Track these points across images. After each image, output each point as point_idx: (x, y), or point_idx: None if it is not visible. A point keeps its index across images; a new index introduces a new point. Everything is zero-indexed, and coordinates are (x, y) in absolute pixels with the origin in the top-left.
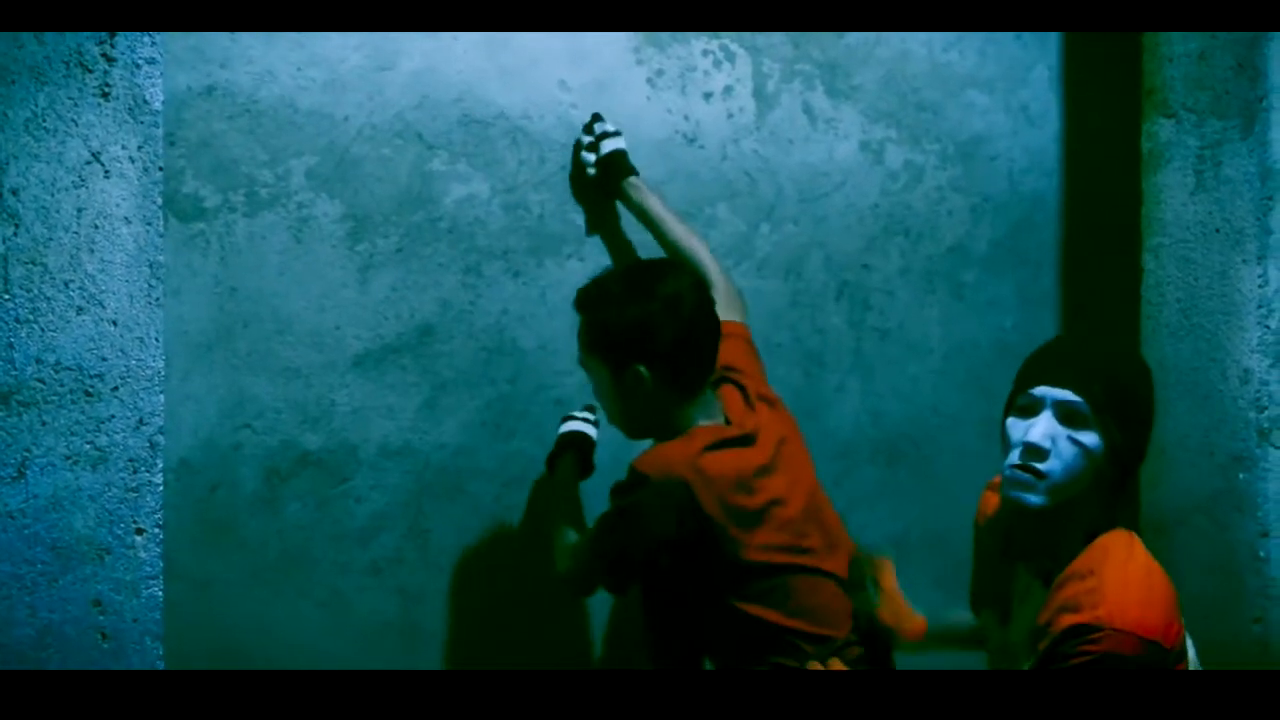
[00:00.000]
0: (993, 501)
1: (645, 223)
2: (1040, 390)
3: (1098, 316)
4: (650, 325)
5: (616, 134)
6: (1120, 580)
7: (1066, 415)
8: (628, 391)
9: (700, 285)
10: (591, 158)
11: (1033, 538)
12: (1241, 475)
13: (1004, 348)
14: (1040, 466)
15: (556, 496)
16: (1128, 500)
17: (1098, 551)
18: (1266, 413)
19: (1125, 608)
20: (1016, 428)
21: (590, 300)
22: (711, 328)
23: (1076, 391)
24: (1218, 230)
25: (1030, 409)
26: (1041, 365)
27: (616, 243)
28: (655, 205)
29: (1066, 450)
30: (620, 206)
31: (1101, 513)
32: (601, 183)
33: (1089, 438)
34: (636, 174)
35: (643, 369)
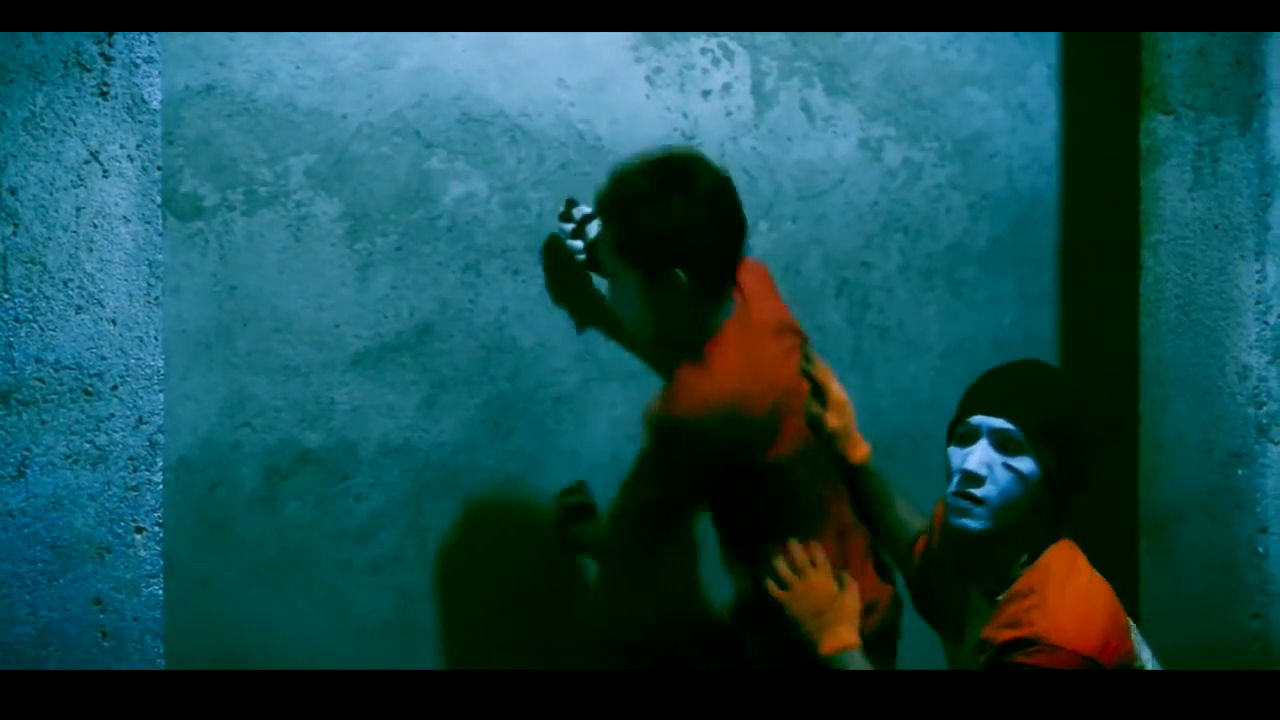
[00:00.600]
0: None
1: None
2: (977, 419)
3: (1097, 313)
4: (691, 227)
5: (595, 215)
6: (1058, 598)
7: (1001, 442)
8: (661, 298)
9: (728, 179)
10: (580, 244)
11: (978, 560)
12: (1240, 471)
13: (1003, 345)
14: (977, 492)
15: (585, 542)
16: (1070, 521)
17: (1040, 571)
18: (1265, 409)
19: (1061, 624)
20: (956, 455)
21: (619, 201)
22: (741, 223)
23: (1010, 419)
24: (1216, 226)
25: (969, 437)
26: (978, 395)
27: (615, 332)
28: None
29: (1002, 476)
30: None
31: (1042, 535)
32: (592, 265)
33: (1024, 464)
34: None
35: (680, 273)
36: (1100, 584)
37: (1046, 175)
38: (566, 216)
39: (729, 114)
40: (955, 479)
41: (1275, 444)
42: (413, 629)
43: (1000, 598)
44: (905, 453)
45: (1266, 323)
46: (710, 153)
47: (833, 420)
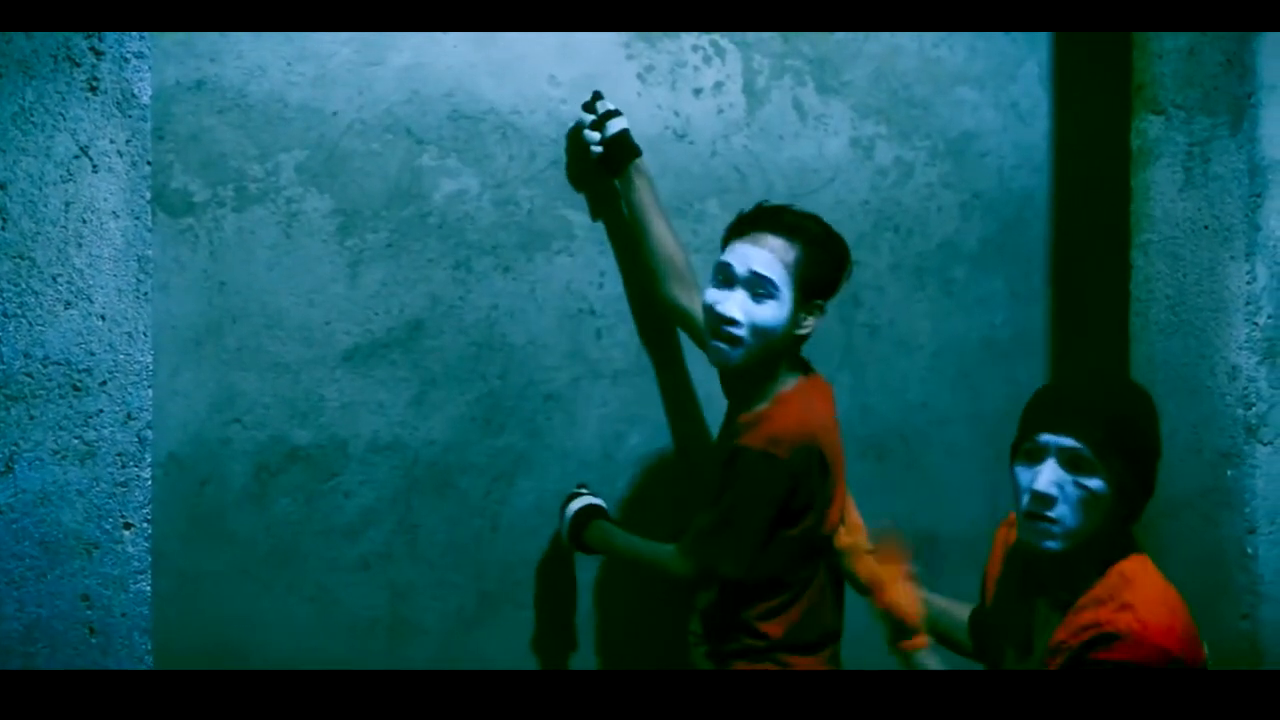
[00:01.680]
0: (1012, 538)
1: (640, 206)
2: (1044, 437)
3: (1087, 313)
4: (844, 272)
5: (619, 113)
6: (1137, 597)
7: (1071, 461)
8: (798, 322)
9: None
10: (596, 136)
11: (1050, 572)
12: (1229, 471)
13: (993, 344)
14: (1050, 514)
15: (612, 548)
16: (1140, 525)
17: (1115, 577)
18: (1254, 409)
19: (1145, 620)
20: (1024, 474)
21: (806, 233)
22: None
23: (1078, 438)
24: (1206, 227)
25: (1036, 455)
26: (1043, 411)
27: (618, 229)
28: (654, 194)
29: (1074, 495)
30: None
31: (1116, 544)
32: (606, 163)
33: (1095, 482)
34: (641, 153)
35: (820, 302)
36: (1174, 590)
37: (1037, 174)
38: (589, 108)
39: (720, 112)
40: (1025, 499)
41: (1264, 444)
42: (402, 626)
43: (1073, 608)
44: (896, 451)
45: (1256, 323)
46: (702, 150)
47: (843, 539)
